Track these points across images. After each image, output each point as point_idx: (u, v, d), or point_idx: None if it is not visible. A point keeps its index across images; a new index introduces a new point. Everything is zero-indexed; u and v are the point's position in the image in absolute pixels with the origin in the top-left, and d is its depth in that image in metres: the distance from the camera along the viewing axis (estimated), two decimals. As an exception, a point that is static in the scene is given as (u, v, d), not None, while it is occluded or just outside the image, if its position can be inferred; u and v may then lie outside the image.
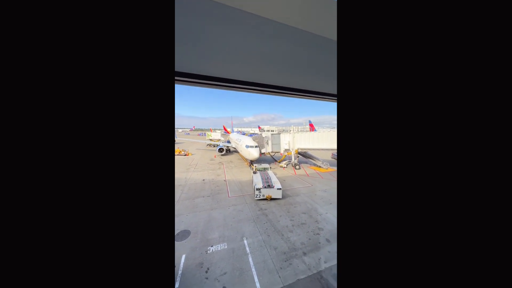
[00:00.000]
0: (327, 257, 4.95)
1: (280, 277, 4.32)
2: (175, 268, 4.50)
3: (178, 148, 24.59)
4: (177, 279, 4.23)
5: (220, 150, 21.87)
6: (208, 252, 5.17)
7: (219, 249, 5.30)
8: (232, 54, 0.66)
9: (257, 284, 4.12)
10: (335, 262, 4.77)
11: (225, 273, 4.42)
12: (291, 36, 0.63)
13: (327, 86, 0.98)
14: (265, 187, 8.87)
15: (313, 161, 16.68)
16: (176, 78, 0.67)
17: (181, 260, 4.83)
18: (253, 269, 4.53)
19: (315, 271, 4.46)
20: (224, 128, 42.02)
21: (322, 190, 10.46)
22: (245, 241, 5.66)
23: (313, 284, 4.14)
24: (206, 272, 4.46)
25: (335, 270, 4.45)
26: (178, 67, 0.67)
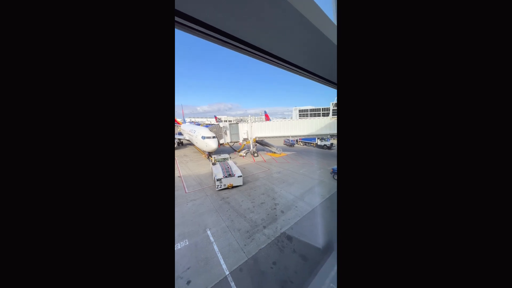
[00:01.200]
0: (282, 225, 5.93)
1: (244, 252, 4.73)
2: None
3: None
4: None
5: (171, 143, 18.85)
6: (166, 254, 4.69)
7: (179, 247, 4.94)
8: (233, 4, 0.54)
9: (224, 266, 4.31)
10: (288, 226, 5.82)
11: (188, 268, 4.25)
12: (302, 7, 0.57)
13: (327, 71, 0.95)
14: (226, 176, 8.88)
15: (269, 148, 18.34)
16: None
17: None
18: (219, 255, 4.65)
19: (273, 238, 5.26)
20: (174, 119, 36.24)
21: (277, 172, 11.91)
22: (208, 232, 5.60)
23: (272, 248, 4.89)
24: (166, 274, 4.09)
25: (288, 232, 5.45)
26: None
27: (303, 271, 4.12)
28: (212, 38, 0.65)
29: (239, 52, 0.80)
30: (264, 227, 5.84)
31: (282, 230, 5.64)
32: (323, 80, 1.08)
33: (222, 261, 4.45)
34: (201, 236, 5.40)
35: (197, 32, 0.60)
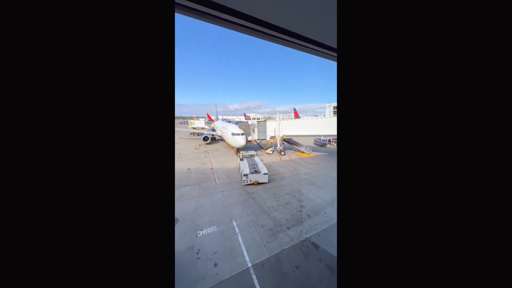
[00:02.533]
0: (308, 229, 5.61)
1: (267, 249, 4.79)
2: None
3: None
4: (168, 262, 4.34)
5: (205, 138, 21.11)
6: (198, 235, 5.33)
7: (209, 232, 5.51)
8: None
9: (247, 258, 4.52)
10: (314, 232, 5.46)
11: (216, 252, 4.70)
12: None
13: (327, 37, 0.84)
14: (252, 172, 9.14)
15: (297, 147, 17.53)
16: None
17: (171, 245, 4.89)
18: (243, 246, 4.90)
19: (297, 241, 5.07)
20: (208, 116, 40.09)
21: (304, 173, 11.28)
22: (234, 223, 5.97)
23: (295, 251, 4.73)
24: (197, 253, 4.66)
25: (314, 239, 5.12)
26: None
27: (329, 282, 3.80)
28: (228, 22, 0.65)
29: (254, 35, 0.78)
30: (288, 228, 5.70)
31: (308, 235, 5.34)
32: (322, 49, 0.94)
33: (245, 253, 4.67)
34: (228, 226, 5.82)
35: (220, 20, 0.61)
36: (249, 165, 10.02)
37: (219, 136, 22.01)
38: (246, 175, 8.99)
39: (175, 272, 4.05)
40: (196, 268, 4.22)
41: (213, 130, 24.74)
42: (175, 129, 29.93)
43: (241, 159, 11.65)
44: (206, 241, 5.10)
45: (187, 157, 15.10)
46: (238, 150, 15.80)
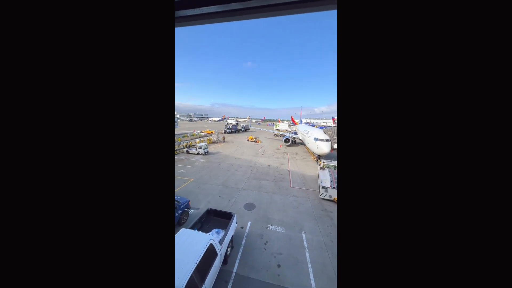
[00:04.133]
0: None
1: (341, 290, 3.75)
2: (243, 229, 5.63)
3: (251, 135, 28.96)
4: (244, 238, 5.28)
5: (286, 140, 22.05)
6: (268, 228, 5.77)
7: (277, 230, 5.69)
8: None
9: (312, 282, 3.94)
10: None
11: (280, 254, 4.73)
12: None
13: None
14: (333, 187, 7.69)
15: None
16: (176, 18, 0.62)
17: (247, 225, 5.90)
18: (309, 267, 4.35)
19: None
20: (292, 119, 41.25)
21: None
22: (303, 235, 5.51)
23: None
24: (265, 244, 5.07)
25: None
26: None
27: None
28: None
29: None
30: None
31: None
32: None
33: (311, 276, 4.10)
34: (296, 234, 5.54)
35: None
36: (330, 177, 8.55)
37: (300, 139, 21.68)
38: (325, 188, 7.79)
39: (243, 243, 4.81)
40: (262, 257, 4.62)
41: (295, 133, 24.95)
42: (263, 129, 35.35)
43: (322, 169, 10.32)
44: (273, 237, 5.35)
45: (269, 155, 16.95)
46: (319, 157, 14.20)
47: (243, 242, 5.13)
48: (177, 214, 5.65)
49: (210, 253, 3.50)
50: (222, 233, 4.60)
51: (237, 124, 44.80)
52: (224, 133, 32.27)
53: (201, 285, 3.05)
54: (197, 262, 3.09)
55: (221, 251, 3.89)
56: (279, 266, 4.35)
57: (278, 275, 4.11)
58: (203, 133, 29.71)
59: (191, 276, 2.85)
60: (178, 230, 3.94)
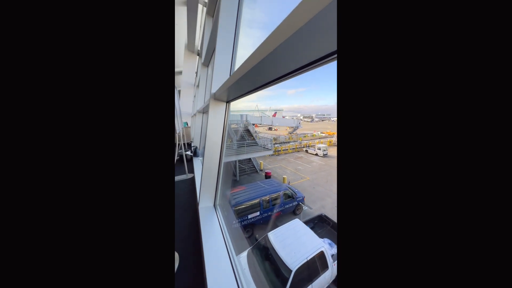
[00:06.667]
0: None
1: None
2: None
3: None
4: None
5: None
6: None
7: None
8: None
9: None
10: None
11: None
12: None
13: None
14: None
15: None
16: None
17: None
18: None
19: None
20: None
21: None
22: None
23: None
24: None
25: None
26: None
27: None
28: None
29: None
30: None
31: None
32: None
33: None
34: None
35: None
36: None
37: None
38: None
39: None
40: None
41: None
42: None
43: None
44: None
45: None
46: None
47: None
48: (293, 203, 6.42)
49: (319, 261, 3.33)
50: (335, 248, 4.04)
51: None
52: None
53: (308, 285, 3.08)
54: (308, 258, 3.15)
55: (333, 268, 3.45)
56: None
57: None
58: (323, 134, 28.68)
59: (303, 264, 2.99)
60: (292, 219, 4.46)
